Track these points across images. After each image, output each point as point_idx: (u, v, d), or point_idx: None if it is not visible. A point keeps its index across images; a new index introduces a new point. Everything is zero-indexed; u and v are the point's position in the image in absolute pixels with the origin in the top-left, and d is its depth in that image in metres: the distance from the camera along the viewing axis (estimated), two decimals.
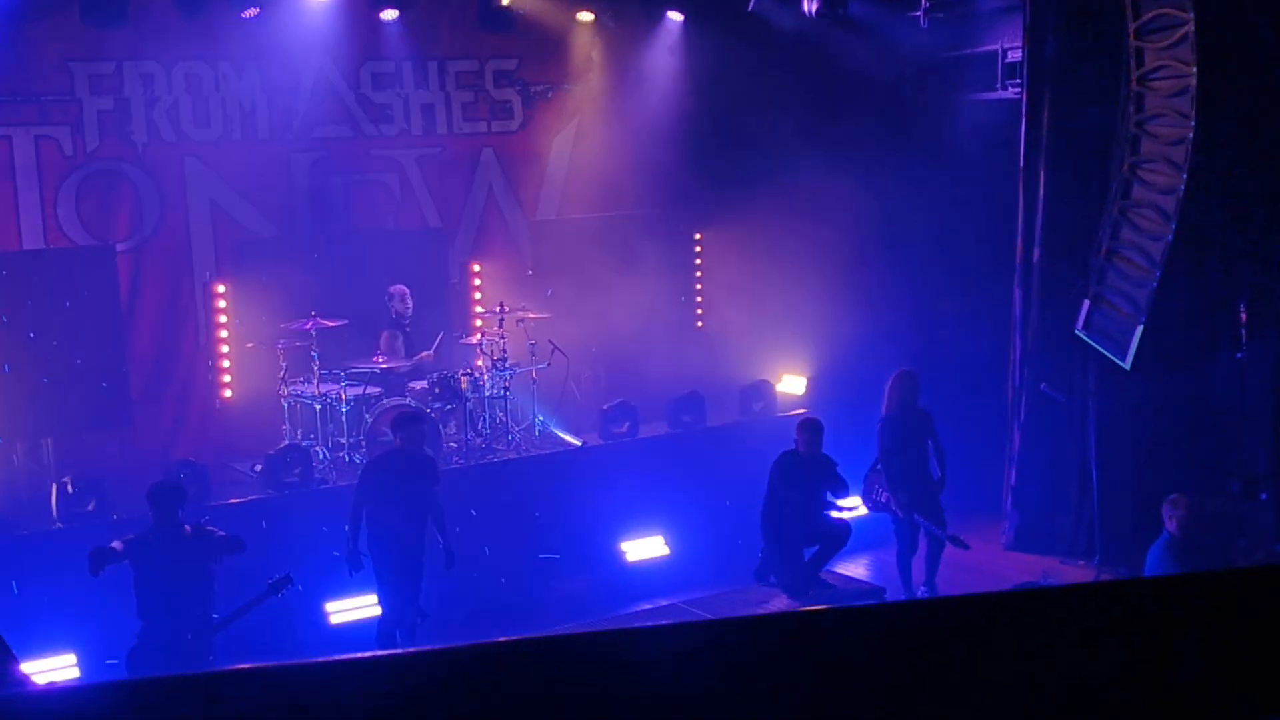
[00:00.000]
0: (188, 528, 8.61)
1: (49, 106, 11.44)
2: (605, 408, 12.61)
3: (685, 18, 13.82)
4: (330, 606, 10.48)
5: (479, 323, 13.01)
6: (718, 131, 13.93)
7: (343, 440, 11.64)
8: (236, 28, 11.76)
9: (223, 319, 12.17)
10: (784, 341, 13.87)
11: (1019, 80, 12.61)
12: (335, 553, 10.23)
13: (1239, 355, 11.05)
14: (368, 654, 2.17)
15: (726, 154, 13.92)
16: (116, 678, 8.41)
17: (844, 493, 10.85)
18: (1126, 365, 11.01)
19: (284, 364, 11.58)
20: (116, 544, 8.44)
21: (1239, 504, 11.07)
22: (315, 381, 11.52)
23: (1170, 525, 8.63)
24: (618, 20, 13.68)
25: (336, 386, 11.60)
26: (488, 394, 12.21)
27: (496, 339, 12.22)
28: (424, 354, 12.37)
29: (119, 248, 11.65)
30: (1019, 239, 12.52)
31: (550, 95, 13.86)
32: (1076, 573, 11.80)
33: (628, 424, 12.61)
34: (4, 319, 10.64)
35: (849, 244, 13.72)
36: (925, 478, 10.96)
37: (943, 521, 10.93)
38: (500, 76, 13.60)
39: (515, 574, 11.55)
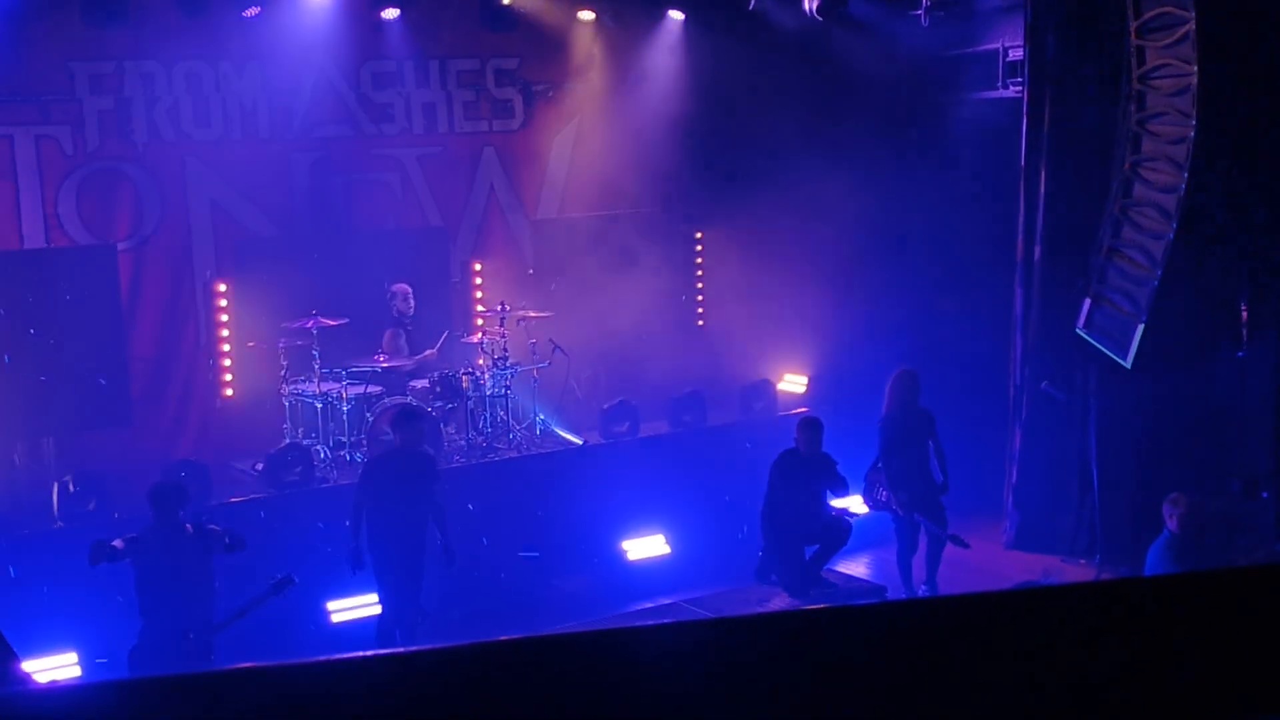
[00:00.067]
0: (189, 527, 8.62)
1: (50, 106, 11.44)
2: (606, 407, 12.61)
3: (686, 17, 13.81)
4: (332, 605, 10.48)
5: (480, 322, 13.01)
6: (718, 131, 13.92)
7: (344, 439, 11.64)
8: (237, 27, 11.75)
9: (224, 318, 12.17)
10: (785, 340, 13.87)
11: (1020, 79, 12.61)
12: (328, 547, 10.25)
13: (1240, 354, 11.06)
14: (369, 653, 2.17)
15: (727, 153, 13.92)
16: (117, 676, 8.42)
17: (844, 492, 10.85)
18: (1127, 364, 11.01)
19: (285, 363, 11.58)
20: (117, 543, 8.45)
21: (1240, 503, 11.07)
22: (316, 380, 11.52)
23: (1171, 524, 8.63)
24: (618, 19, 13.67)
25: (338, 385, 11.60)
26: (489, 393, 12.21)
27: (498, 338, 12.22)
28: (428, 352, 12.38)
29: (120, 247, 11.65)
30: (1020, 237, 12.52)
31: (551, 94, 13.86)
32: (1077, 571, 11.80)
33: (628, 423, 12.61)
34: (5, 318, 10.64)
35: (849, 243, 13.72)
36: (926, 477, 10.96)
37: (943, 520, 10.94)
38: (501, 75, 13.60)
39: (516, 573, 11.54)
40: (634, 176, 13.88)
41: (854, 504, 11.50)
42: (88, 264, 11.30)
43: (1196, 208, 10.48)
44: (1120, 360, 11.07)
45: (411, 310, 12.39)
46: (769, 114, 13.72)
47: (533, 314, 12.56)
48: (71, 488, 10.25)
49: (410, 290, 12.38)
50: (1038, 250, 12.37)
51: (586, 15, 13.49)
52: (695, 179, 13.92)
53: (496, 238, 13.81)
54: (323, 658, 2.13)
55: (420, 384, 11.99)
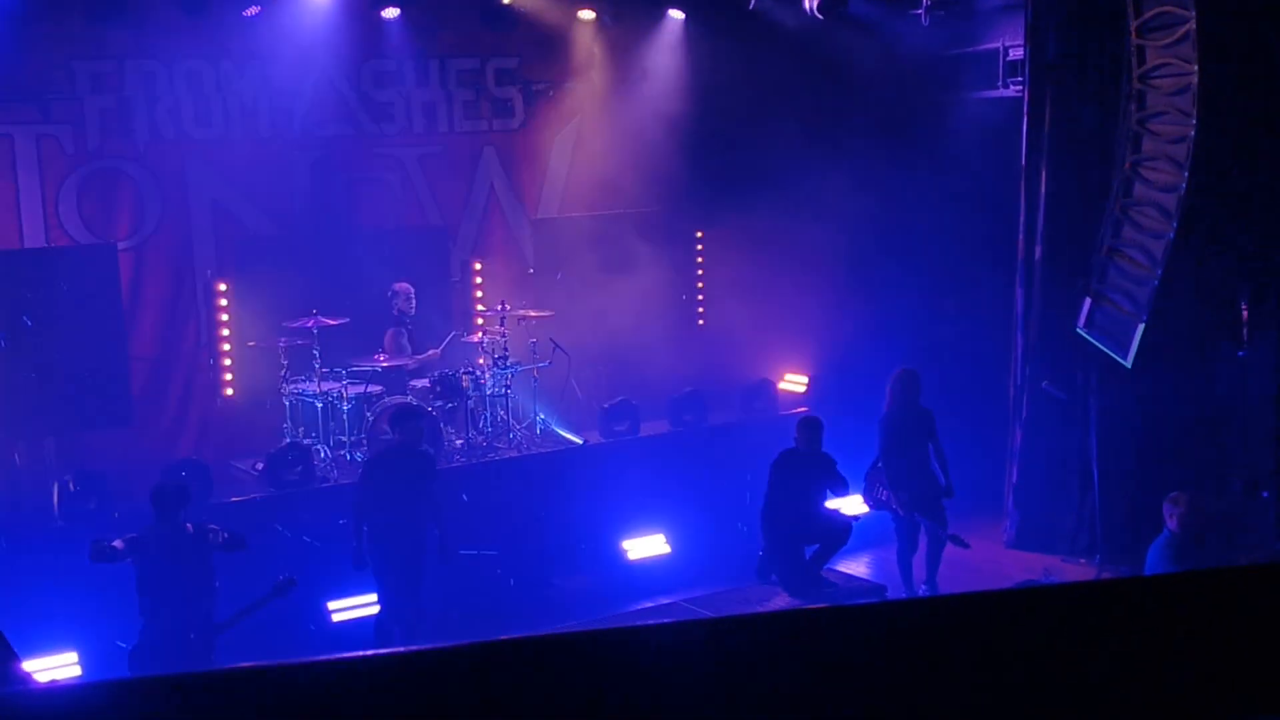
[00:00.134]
0: (189, 526, 8.62)
1: (50, 105, 11.44)
2: (606, 406, 12.61)
3: (686, 16, 13.81)
4: (332, 605, 10.48)
5: (480, 321, 13.01)
6: (719, 130, 13.92)
7: (344, 438, 11.65)
8: (238, 26, 11.76)
9: (224, 317, 12.17)
10: (785, 340, 13.87)
11: (1020, 78, 12.61)
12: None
13: (1240, 353, 11.05)
14: (369, 652, 2.17)
15: (727, 152, 13.92)
16: (117, 676, 8.43)
17: (844, 491, 10.85)
18: (1128, 363, 11.01)
19: (285, 362, 11.59)
20: (118, 543, 8.46)
21: (1240, 502, 11.07)
22: (317, 380, 11.52)
23: (1171, 523, 8.63)
24: (619, 19, 13.67)
25: (338, 385, 11.60)
26: (489, 392, 12.21)
27: (498, 337, 12.22)
28: (431, 351, 12.40)
29: (120, 246, 11.66)
30: (1020, 237, 12.52)
31: (551, 94, 13.85)
32: (1078, 571, 11.81)
33: (629, 422, 12.61)
34: (5, 317, 10.64)
35: (850, 242, 13.72)
36: (926, 476, 10.96)
37: (943, 520, 10.94)
38: (501, 75, 13.60)
39: (516, 572, 11.55)
40: (634, 176, 13.88)
41: (854, 503, 11.49)
42: (88, 263, 11.31)
43: (1197, 207, 10.48)
44: (1120, 360, 11.07)
45: (413, 309, 12.40)
46: (769, 113, 13.71)
47: (533, 313, 12.56)
48: (72, 487, 10.26)
49: (412, 290, 12.39)
50: (1038, 249, 12.37)
51: (586, 15, 13.49)
52: (695, 178, 13.91)
53: (497, 237, 13.82)
54: (323, 657, 2.13)
55: (421, 383, 12.00)
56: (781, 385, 13.79)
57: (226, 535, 8.71)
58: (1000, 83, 13.27)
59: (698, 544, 12.13)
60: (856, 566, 11.91)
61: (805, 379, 13.97)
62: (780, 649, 2.25)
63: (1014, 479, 12.75)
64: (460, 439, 12.00)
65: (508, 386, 12.26)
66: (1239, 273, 10.99)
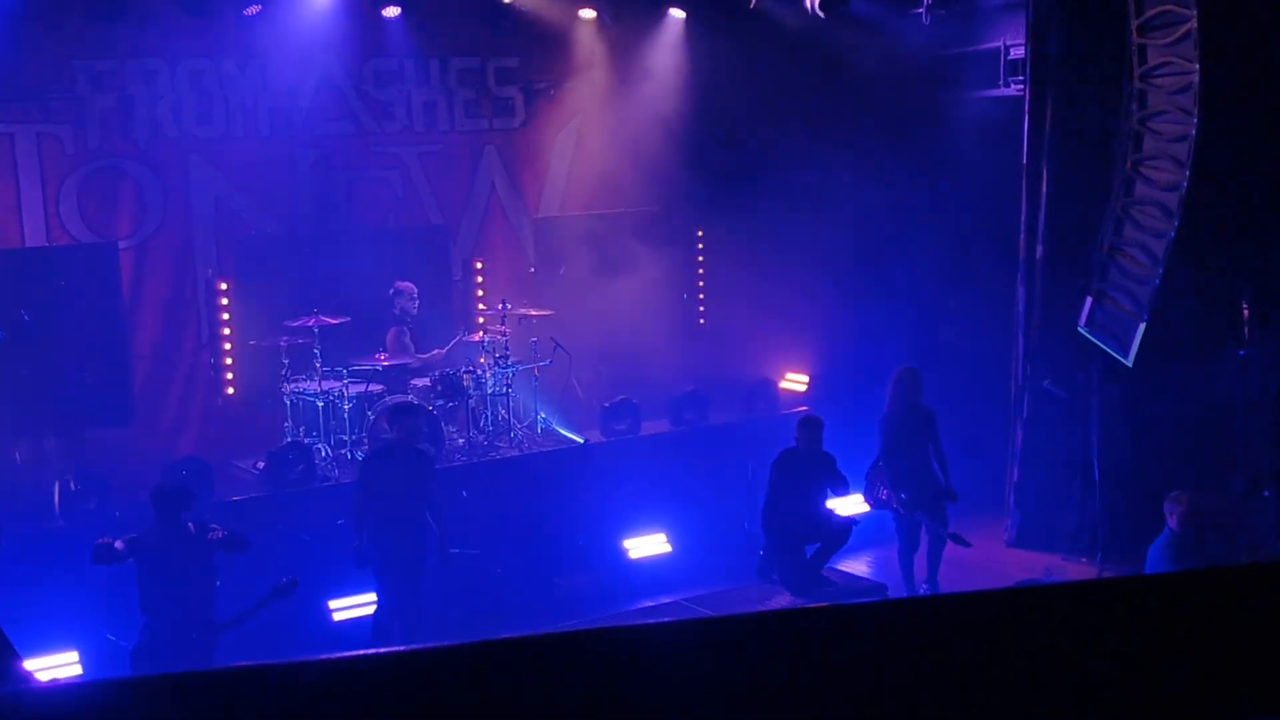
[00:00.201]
0: (191, 526, 8.62)
1: (52, 104, 11.44)
2: (607, 405, 12.61)
3: (687, 15, 13.81)
4: (333, 604, 10.48)
5: (481, 320, 13.02)
6: (720, 129, 13.92)
7: (345, 437, 11.65)
8: (239, 25, 11.76)
9: (225, 316, 12.17)
10: (786, 339, 13.87)
11: (1022, 77, 12.60)
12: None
13: (1241, 352, 11.05)
14: (370, 651, 2.17)
15: (728, 151, 13.92)
16: (119, 675, 8.44)
17: (845, 491, 10.85)
18: (1129, 362, 11.01)
19: (286, 361, 11.59)
20: (119, 544, 8.46)
21: (1241, 501, 11.07)
22: (318, 379, 11.52)
23: (1171, 522, 8.63)
24: (620, 18, 13.66)
25: (339, 384, 11.61)
26: (490, 391, 12.21)
27: (499, 336, 12.22)
28: (436, 351, 12.43)
29: (121, 245, 11.66)
30: (1022, 236, 12.52)
31: (552, 93, 13.85)
32: (1079, 570, 11.80)
33: (630, 421, 12.61)
34: (7, 316, 10.65)
35: (851, 241, 13.72)
36: (927, 475, 10.95)
37: (944, 519, 10.93)
38: (502, 74, 13.60)
39: (517, 571, 11.54)
40: (635, 175, 13.88)
41: (855, 503, 11.49)
42: (89, 262, 11.31)
43: (1198, 206, 10.47)
44: (1122, 359, 11.07)
45: (416, 309, 12.42)
46: (770, 112, 13.72)
47: (534, 312, 12.56)
48: (73, 486, 10.26)
49: (415, 289, 12.40)
50: (1039, 248, 12.36)
51: (587, 14, 13.49)
52: (696, 177, 13.91)
53: (498, 236, 13.82)
54: (324, 656, 2.13)
55: (422, 382, 12.00)
56: (782, 384, 13.79)
57: (228, 535, 8.71)
58: (1001, 82, 13.26)
59: (698, 543, 12.13)
60: (857, 566, 11.90)
61: (806, 378, 13.96)
62: (781, 648, 2.25)
63: (1015, 478, 12.75)
64: (461, 438, 12.00)
65: (509, 385, 12.26)
66: (1240, 272, 10.98)
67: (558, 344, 12.48)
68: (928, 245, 13.88)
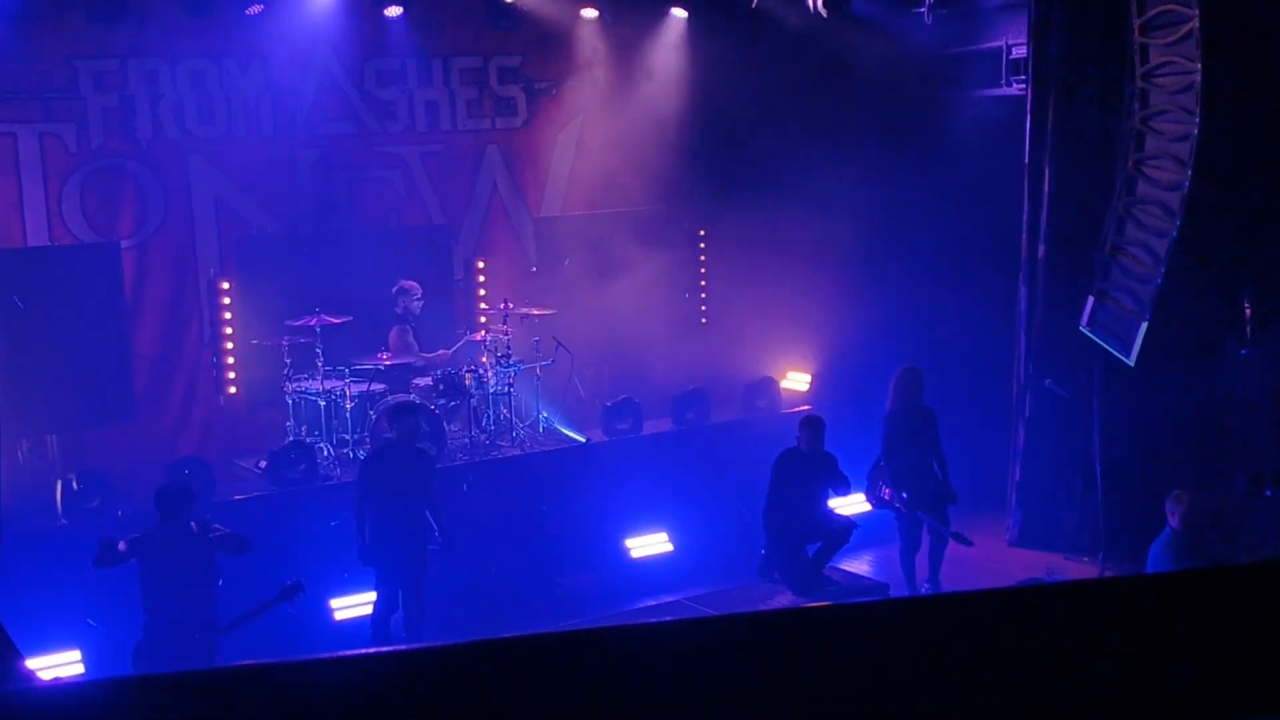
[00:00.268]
0: (193, 525, 8.64)
1: (54, 103, 11.45)
2: (609, 404, 12.61)
3: (689, 14, 13.81)
4: (335, 602, 10.49)
5: (483, 319, 13.03)
6: (721, 128, 13.92)
7: (347, 437, 11.65)
8: (241, 24, 11.76)
9: (227, 315, 12.17)
10: (788, 338, 13.86)
11: (1024, 77, 12.60)
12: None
13: (1243, 351, 11.04)
14: (372, 650, 2.17)
15: (730, 150, 13.91)
16: (121, 674, 8.44)
17: (846, 490, 10.85)
18: (1131, 361, 11.01)
19: (288, 360, 11.59)
20: (122, 544, 8.48)
21: (1243, 500, 11.06)
22: (320, 378, 11.52)
23: (1173, 521, 8.63)
24: (621, 17, 13.66)
25: (341, 383, 11.61)
26: (492, 390, 12.21)
27: (501, 335, 12.23)
28: (442, 351, 12.44)
29: (123, 244, 11.67)
30: (1024, 235, 12.52)
31: (554, 92, 13.86)
32: (1080, 569, 11.80)
33: (631, 421, 12.61)
34: (8, 315, 10.65)
35: (853, 240, 13.71)
36: (928, 475, 10.95)
37: (946, 518, 10.93)
38: (504, 73, 13.60)
39: (519, 570, 11.54)
40: (637, 174, 13.88)
41: (857, 502, 11.49)
42: (91, 261, 11.32)
43: (1200, 205, 10.47)
44: (1124, 358, 11.06)
45: (419, 308, 12.42)
46: (772, 111, 13.71)
47: (536, 311, 12.56)
48: (75, 485, 10.26)
49: (419, 288, 12.41)
50: (1041, 248, 12.36)
51: (589, 13, 13.48)
52: (698, 177, 13.91)
53: (500, 235, 13.82)
54: (326, 655, 2.13)
55: (424, 381, 12.00)
56: (784, 384, 13.78)
57: (229, 534, 8.72)
58: (1003, 81, 13.25)
59: (700, 542, 12.13)
60: (859, 565, 11.90)
61: (808, 377, 13.96)
62: (783, 647, 2.25)
63: (1017, 477, 12.75)
64: (463, 437, 12.00)
65: (510, 384, 12.26)
66: (1242, 271, 10.98)
67: (559, 343, 12.48)
68: (929, 244, 13.87)
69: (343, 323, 11.60)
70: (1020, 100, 12.62)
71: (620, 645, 2.24)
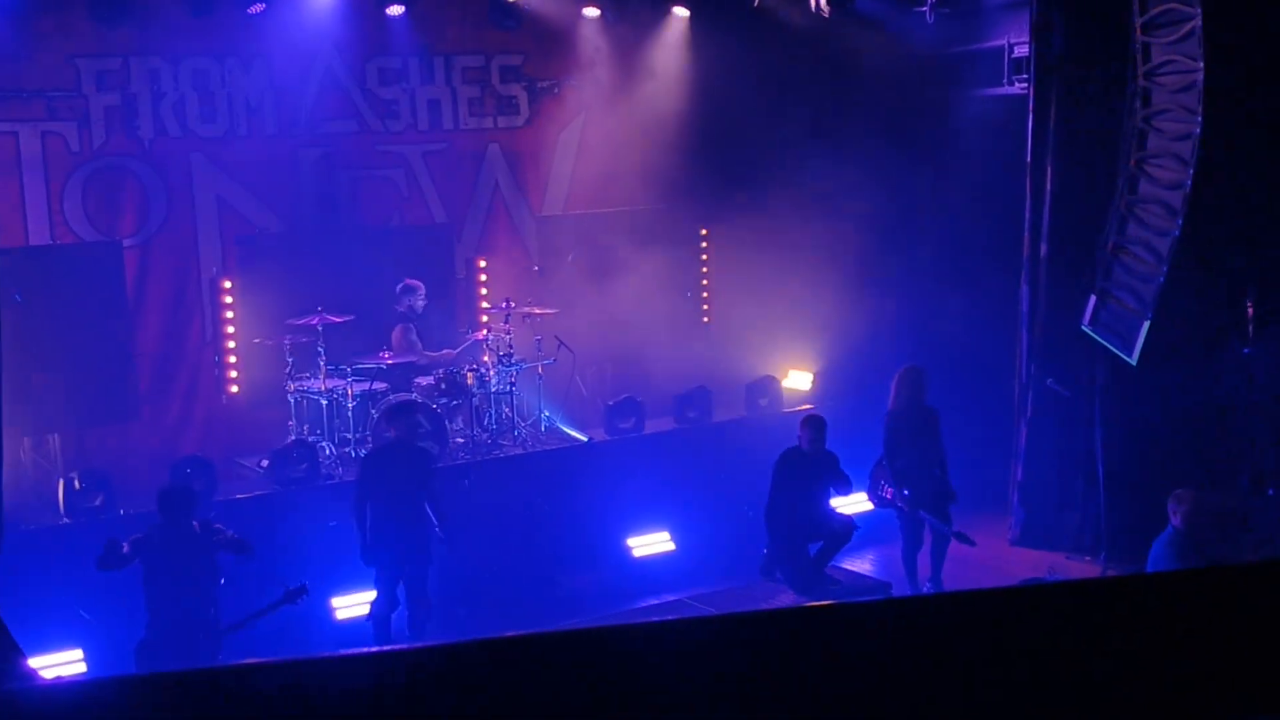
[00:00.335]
0: (195, 525, 8.65)
1: (55, 102, 11.45)
2: (611, 403, 12.61)
3: (691, 13, 13.81)
4: (336, 602, 10.49)
5: (485, 318, 13.03)
6: (724, 127, 13.91)
7: (349, 435, 11.65)
8: (243, 23, 11.77)
9: (229, 314, 12.18)
10: (790, 337, 13.86)
11: (1026, 76, 12.59)
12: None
13: (1246, 350, 11.04)
14: (374, 650, 2.18)
15: (733, 149, 13.91)
16: (123, 672, 8.44)
17: (848, 489, 10.84)
18: (1133, 361, 11.00)
19: (290, 359, 11.60)
20: (125, 546, 8.49)
21: (1245, 499, 11.06)
22: (321, 377, 11.53)
23: (1175, 520, 8.62)
24: (623, 16, 13.66)
25: (343, 382, 11.62)
26: (494, 389, 12.22)
27: (503, 334, 12.23)
28: (447, 351, 12.46)
29: (125, 243, 11.68)
30: (1026, 234, 12.52)
31: (556, 91, 13.86)
32: (1082, 568, 11.80)
33: (633, 419, 12.61)
34: (10, 314, 10.66)
35: (855, 239, 13.70)
36: (931, 474, 10.95)
37: (948, 517, 10.93)
38: (506, 72, 13.60)
39: (521, 569, 11.55)
40: (639, 173, 13.88)
41: (858, 501, 11.49)
42: (93, 261, 11.33)
43: (1202, 204, 10.46)
44: (1126, 357, 11.06)
45: (422, 307, 12.43)
46: (774, 110, 13.72)
47: (538, 310, 12.57)
48: (77, 484, 10.27)
49: (423, 287, 12.42)
50: (1043, 247, 12.36)
51: (591, 12, 13.49)
52: (700, 175, 13.91)
53: (501, 234, 13.83)
54: (327, 654, 2.13)
55: (426, 380, 12.00)
56: (786, 383, 13.78)
57: (232, 536, 8.73)
58: (1005, 80, 13.25)
59: (702, 541, 12.13)
60: (861, 564, 11.90)
61: (810, 376, 13.96)
62: (785, 646, 2.25)
63: (1019, 476, 12.75)
64: (465, 436, 12.01)
65: (512, 383, 12.26)
66: (1244, 270, 10.97)
67: (561, 342, 12.48)
68: (931, 243, 13.88)
69: (345, 322, 11.61)
70: (1022, 99, 12.61)
71: (622, 644, 2.25)
